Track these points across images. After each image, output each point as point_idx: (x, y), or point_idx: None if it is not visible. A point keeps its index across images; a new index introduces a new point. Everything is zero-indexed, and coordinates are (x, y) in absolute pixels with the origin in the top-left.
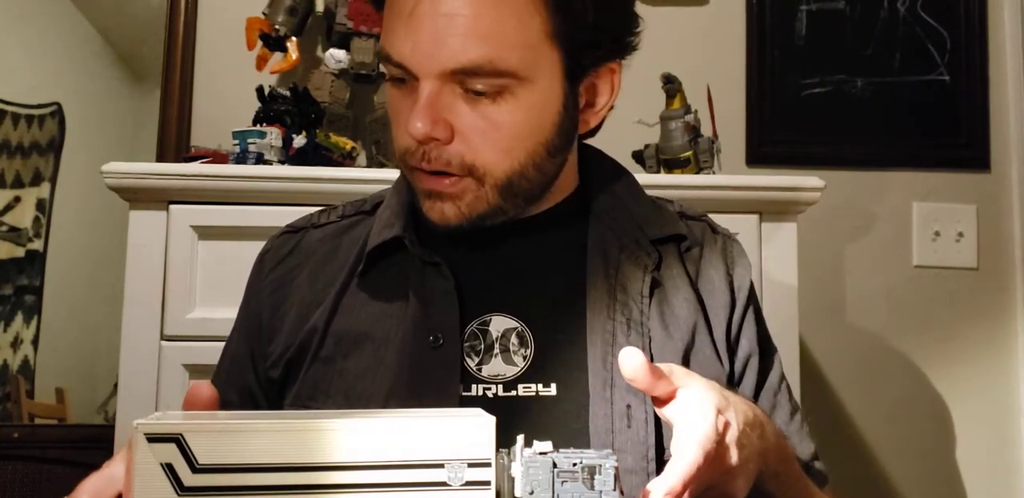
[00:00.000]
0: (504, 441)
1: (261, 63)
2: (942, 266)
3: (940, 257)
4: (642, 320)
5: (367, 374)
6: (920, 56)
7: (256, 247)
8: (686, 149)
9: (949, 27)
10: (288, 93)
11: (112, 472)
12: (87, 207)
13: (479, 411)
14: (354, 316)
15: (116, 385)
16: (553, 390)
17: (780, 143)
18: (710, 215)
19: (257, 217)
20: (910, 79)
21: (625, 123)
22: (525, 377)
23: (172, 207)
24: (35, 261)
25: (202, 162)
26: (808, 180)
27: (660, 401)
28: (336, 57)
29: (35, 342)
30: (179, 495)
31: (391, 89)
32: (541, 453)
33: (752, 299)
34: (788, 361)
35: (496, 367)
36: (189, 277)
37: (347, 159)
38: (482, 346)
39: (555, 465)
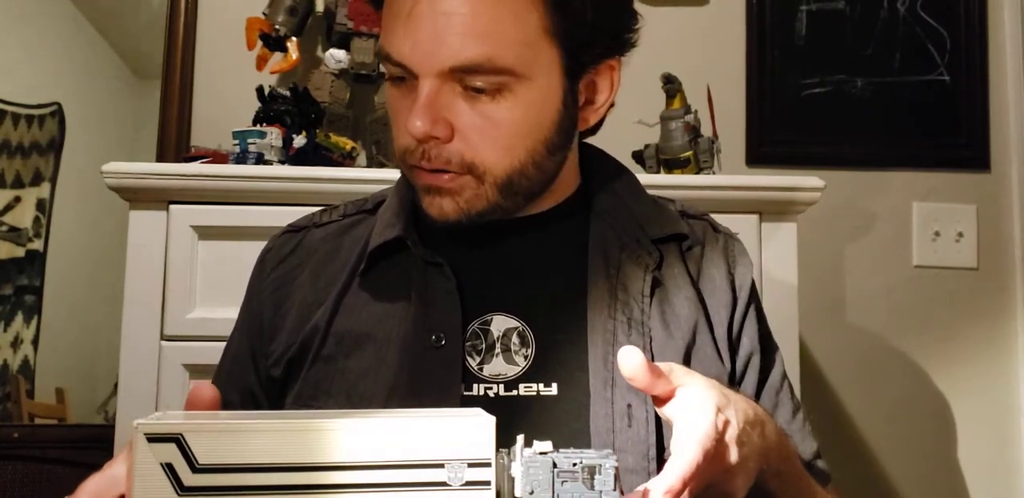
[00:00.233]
0: (505, 441)
1: (261, 63)
2: (942, 266)
3: (940, 257)
4: (643, 319)
5: (368, 374)
6: (920, 56)
7: (256, 247)
8: (686, 149)
9: (949, 27)
10: (288, 93)
11: (113, 473)
12: (87, 207)
13: (479, 411)
14: (356, 316)
15: (116, 385)
16: (554, 390)
17: (780, 143)
18: (710, 215)
19: (257, 217)
20: (910, 79)
21: (625, 123)
22: (526, 377)
23: (172, 207)
24: (35, 261)
25: (202, 162)
26: (808, 180)
27: (660, 400)
28: (336, 57)
29: (35, 342)
30: (179, 495)
31: (390, 88)
32: (541, 453)
33: (753, 298)
34: (788, 361)
35: (497, 367)
36: (189, 277)
37: (347, 159)
38: (483, 346)
39: (555, 465)
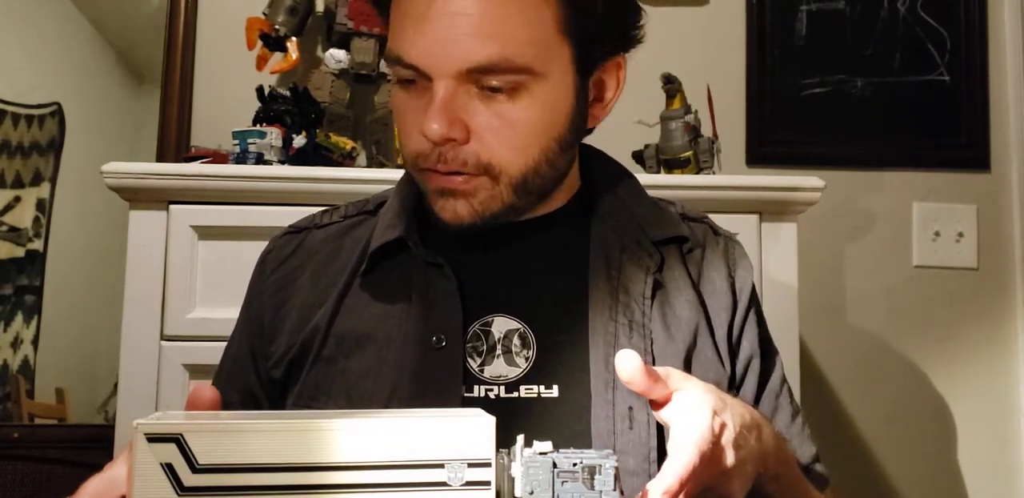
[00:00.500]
0: (505, 442)
1: (261, 63)
2: (942, 266)
3: (940, 257)
4: (644, 321)
5: (369, 374)
6: (920, 56)
7: (256, 247)
8: (686, 149)
9: (949, 27)
10: (288, 93)
11: (114, 474)
12: (87, 207)
13: (479, 411)
14: (356, 316)
15: (116, 385)
16: (555, 391)
17: (780, 143)
18: (710, 215)
19: (257, 217)
20: (910, 79)
21: (625, 123)
22: (527, 378)
23: (172, 207)
24: (35, 261)
25: (202, 162)
26: (808, 180)
27: (657, 404)
28: (336, 57)
29: (35, 342)
30: (179, 495)
31: (398, 92)
32: (541, 453)
33: (754, 301)
34: (788, 361)
35: (498, 368)
36: (189, 277)
37: (347, 159)
38: (484, 347)
39: (555, 465)
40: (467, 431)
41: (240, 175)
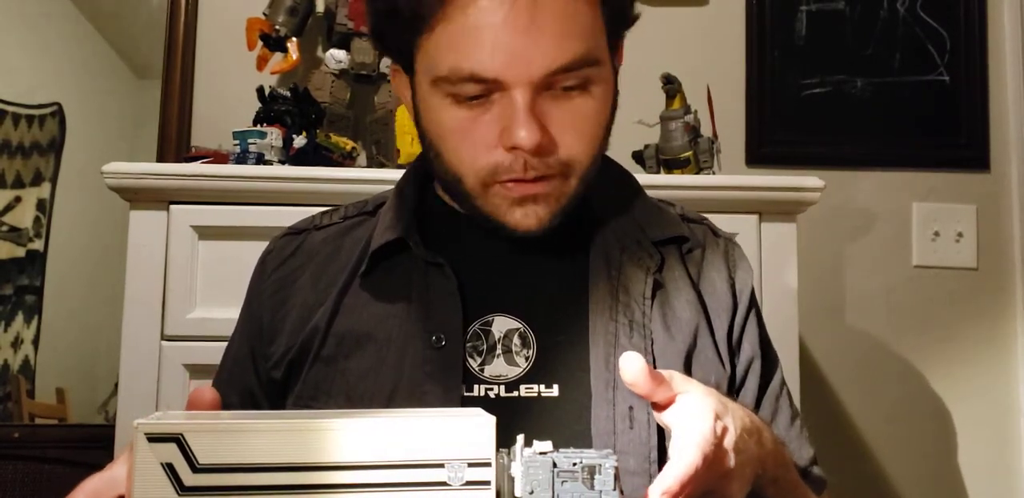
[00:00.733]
0: (505, 442)
1: (261, 63)
2: (942, 266)
3: (940, 257)
4: (644, 321)
5: (369, 374)
6: (920, 56)
7: (256, 247)
8: (686, 149)
9: (949, 27)
10: (288, 93)
11: (113, 474)
12: (87, 207)
13: (479, 411)
14: (356, 316)
15: (116, 385)
16: (555, 391)
17: (780, 143)
18: (710, 216)
19: (257, 217)
20: (910, 79)
21: (625, 123)
22: (527, 378)
23: (172, 207)
24: (35, 261)
25: (202, 162)
26: (808, 180)
27: (659, 407)
28: (336, 57)
29: (35, 342)
30: (179, 495)
31: (455, 110)
32: (541, 453)
33: (753, 303)
34: (788, 362)
35: (498, 368)
36: (189, 277)
37: (347, 159)
38: (484, 347)
39: (555, 465)
40: (467, 431)
41: (240, 175)
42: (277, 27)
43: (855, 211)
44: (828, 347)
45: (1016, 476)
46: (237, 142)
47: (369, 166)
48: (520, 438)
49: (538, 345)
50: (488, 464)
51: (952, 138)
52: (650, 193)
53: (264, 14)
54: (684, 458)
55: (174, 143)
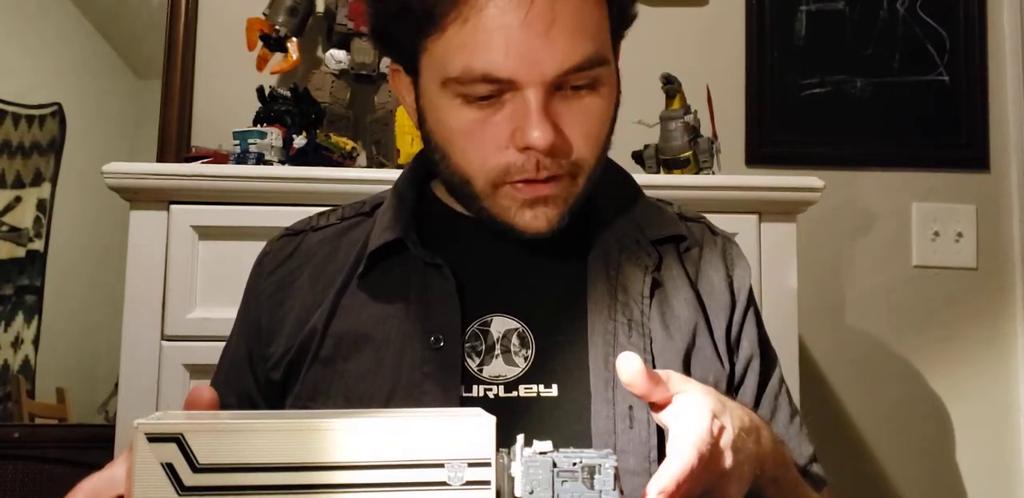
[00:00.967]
0: (504, 443)
1: (261, 63)
2: (942, 266)
3: (940, 257)
4: (643, 321)
5: (367, 376)
6: (920, 56)
7: (256, 247)
8: (686, 149)
9: (949, 27)
10: (288, 93)
11: (113, 474)
12: (87, 207)
13: (479, 411)
14: (354, 317)
15: (116, 385)
16: (554, 391)
17: (780, 143)
18: (709, 216)
19: (257, 217)
20: (910, 79)
21: (625, 123)
22: (526, 378)
23: (172, 207)
24: (36, 261)
25: (202, 162)
26: (808, 180)
27: (657, 406)
28: (336, 57)
29: (36, 342)
30: (179, 495)
31: (465, 110)
32: (541, 453)
33: (752, 301)
34: (788, 362)
35: (497, 368)
36: (189, 277)
37: (347, 159)
38: (483, 347)
39: (555, 465)
40: (467, 431)
41: (240, 175)
42: (277, 27)
43: (855, 211)
44: (828, 347)
45: (1016, 476)
46: (237, 142)
47: (369, 166)
48: (520, 438)
49: (537, 345)
50: (488, 464)
51: (952, 138)
52: (650, 193)
53: (264, 14)
54: (680, 457)
55: (174, 143)
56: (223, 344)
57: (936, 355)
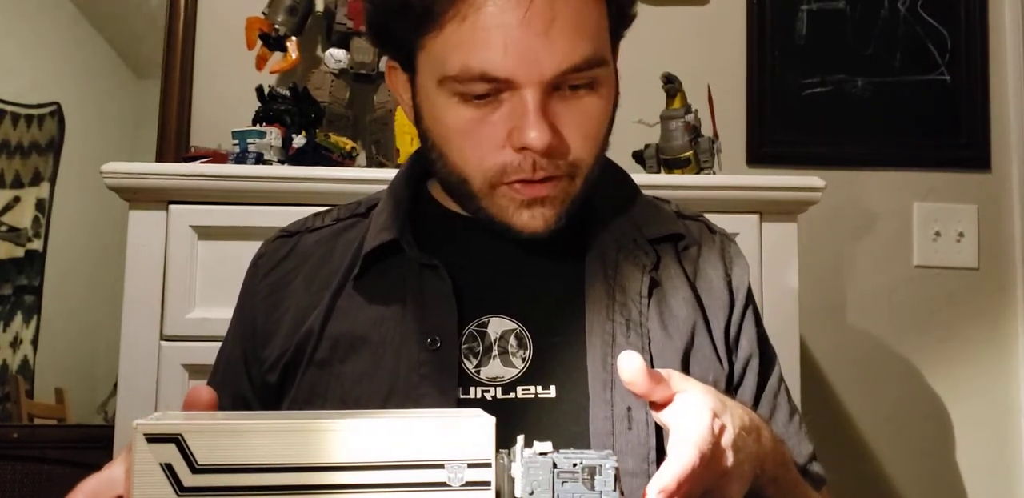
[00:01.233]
0: (502, 444)
1: (261, 63)
2: (943, 266)
3: (941, 257)
4: (641, 321)
5: (364, 378)
6: (920, 56)
7: (255, 247)
8: (686, 149)
9: (949, 27)
10: (288, 93)
11: (112, 474)
12: (87, 207)
13: (479, 411)
14: (350, 319)
15: (116, 385)
16: (552, 392)
17: (780, 143)
18: (710, 215)
19: (257, 217)
20: (910, 79)
21: (625, 123)
22: (524, 379)
23: (172, 207)
24: (35, 261)
25: (202, 162)
26: (808, 180)
27: (657, 405)
28: (336, 57)
29: (35, 342)
30: (179, 495)
31: (462, 109)
32: (541, 453)
33: (750, 300)
34: (788, 361)
35: (495, 369)
36: (189, 277)
37: (347, 159)
38: (480, 348)
39: (555, 465)
40: (467, 431)
41: (240, 175)
42: (276, 26)
43: (856, 211)
44: (829, 347)
45: (1016, 476)
46: (236, 142)
47: (368, 166)
48: (520, 439)
49: (535, 346)
50: (488, 465)
51: (953, 138)
52: (650, 193)
53: (263, 13)
54: (681, 456)
55: (173, 143)
56: (222, 344)
57: (937, 355)
